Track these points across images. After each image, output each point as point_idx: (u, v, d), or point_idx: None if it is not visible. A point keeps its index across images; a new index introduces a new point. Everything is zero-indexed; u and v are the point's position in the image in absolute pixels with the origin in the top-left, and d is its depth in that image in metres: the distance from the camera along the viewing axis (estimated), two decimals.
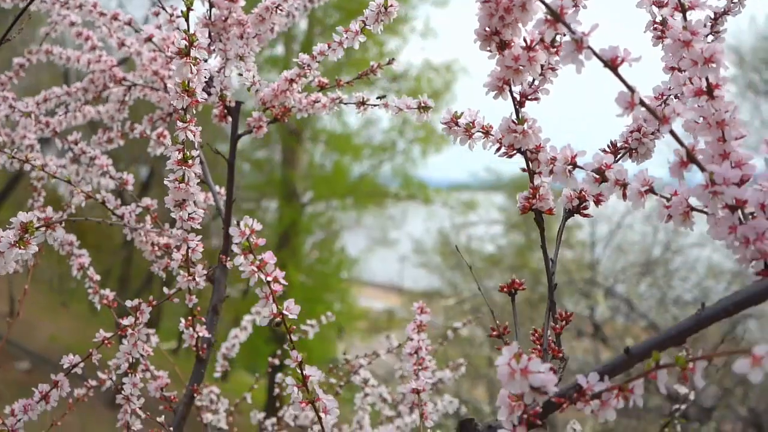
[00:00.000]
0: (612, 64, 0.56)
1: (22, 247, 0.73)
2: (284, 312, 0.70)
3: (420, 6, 10.70)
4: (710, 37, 0.79)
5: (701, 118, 0.61)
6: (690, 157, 0.57)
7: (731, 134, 0.59)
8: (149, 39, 1.16)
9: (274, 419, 1.45)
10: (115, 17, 1.19)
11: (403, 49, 11.31)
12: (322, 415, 0.71)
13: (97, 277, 1.18)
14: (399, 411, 1.64)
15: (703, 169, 0.57)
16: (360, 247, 12.21)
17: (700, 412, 5.90)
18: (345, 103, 1.06)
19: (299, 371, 0.72)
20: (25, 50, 1.39)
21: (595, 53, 0.55)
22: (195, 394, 1.07)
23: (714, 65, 0.59)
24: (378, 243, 12.38)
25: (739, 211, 0.58)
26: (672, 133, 0.57)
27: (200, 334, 1.05)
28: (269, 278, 0.69)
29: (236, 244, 0.68)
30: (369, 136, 12.03)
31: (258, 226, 0.69)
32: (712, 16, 0.79)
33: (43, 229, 0.71)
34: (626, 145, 0.76)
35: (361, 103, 1.03)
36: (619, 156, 0.76)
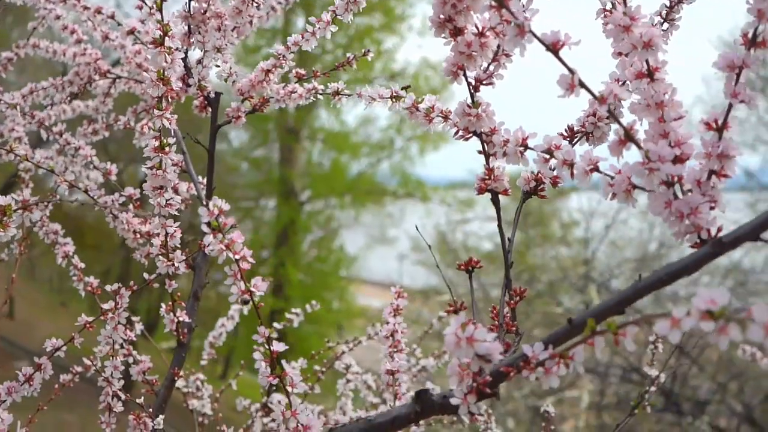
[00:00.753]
0: (553, 48, 0.59)
1: (1, 229, 0.76)
2: (252, 289, 0.73)
3: (417, 4, 10.74)
4: (665, 25, 0.82)
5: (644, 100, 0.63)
6: (628, 136, 0.60)
7: (670, 115, 0.62)
8: (131, 32, 1.19)
9: (258, 405, 1.48)
10: (98, 11, 1.22)
11: (401, 47, 11.36)
12: (289, 388, 0.74)
13: (82, 265, 1.20)
14: (384, 398, 1.67)
15: (640, 147, 0.60)
16: (358, 245, 12.25)
17: (694, 407, 5.93)
18: (321, 94, 1.09)
19: (267, 347, 0.75)
20: (13, 45, 1.42)
21: (536, 37, 0.58)
22: (176, 378, 1.10)
23: (653, 49, 0.61)
24: (376, 241, 12.42)
25: (678, 187, 0.61)
26: (610, 113, 0.60)
27: (180, 319, 1.08)
28: (237, 256, 0.72)
29: (205, 223, 0.71)
30: (367, 134, 12.08)
31: (226, 207, 0.72)
32: (668, 3, 0.82)
33: (21, 211, 0.74)
34: (582, 129, 0.79)
35: (336, 93, 1.06)
36: (576, 139, 0.79)
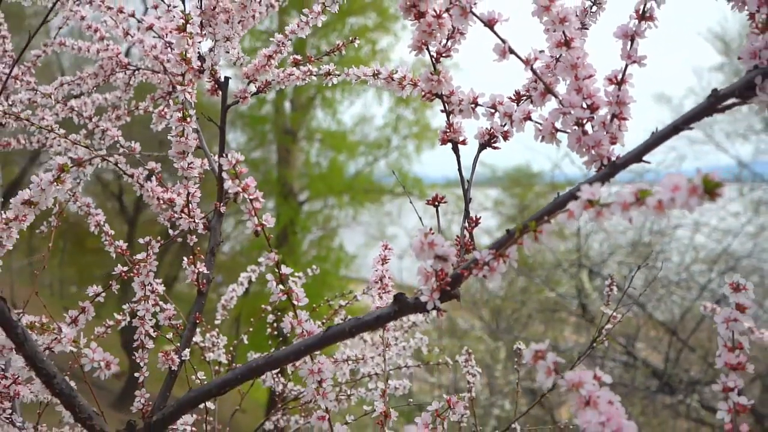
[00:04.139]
0: (490, 24, 0.77)
1: (59, 183, 0.95)
2: (264, 222, 0.91)
3: None
4: (594, 7, 1.01)
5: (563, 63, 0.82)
6: (547, 89, 0.79)
7: (582, 74, 0.80)
8: (150, 28, 1.37)
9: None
10: (120, 10, 1.40)
11: (395, 47, 11.56)
12: (295, 302, 0.93)
13: (112, 232, 1.39)
14: (380, 352, 1.86)
15: (556, 97, 0.78)
16: (358, 243, 12.42)
17: (686, 387, 6.12)
18: (315, 75, 1.27)
19: (276, 270, 0.93)
20: (41, 43, 1.61)
21: (476, 16, 0.77)
22: (197, 321, 1.29)
23: (567, 23, 0.80)
24: (375, 239, 12.60)
25: (590, 127, 0.80)
26: (533, 71, 0.78)
27: (200, 271, 1.26)
28: (252, 197, 0.90)
29: (225, 170, 0.89)
30: (363, 134, 12.27)
31: (241, 157, 0.91)
32: None
33: (76, 167, 0.93)
34: (527, 93, 0.97)
35: (328, 74, 1.25)
36: (521, 101, 0.97)
